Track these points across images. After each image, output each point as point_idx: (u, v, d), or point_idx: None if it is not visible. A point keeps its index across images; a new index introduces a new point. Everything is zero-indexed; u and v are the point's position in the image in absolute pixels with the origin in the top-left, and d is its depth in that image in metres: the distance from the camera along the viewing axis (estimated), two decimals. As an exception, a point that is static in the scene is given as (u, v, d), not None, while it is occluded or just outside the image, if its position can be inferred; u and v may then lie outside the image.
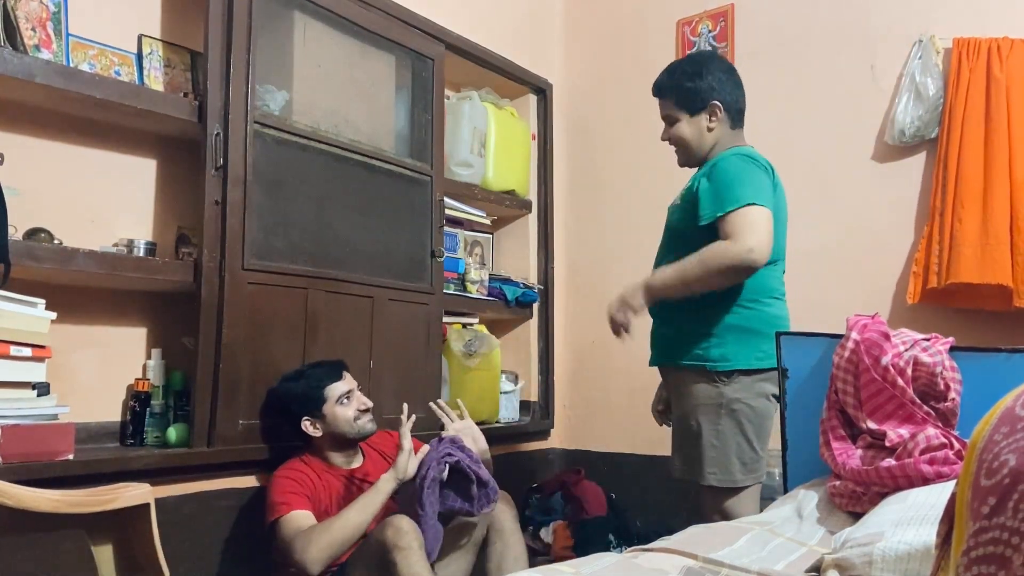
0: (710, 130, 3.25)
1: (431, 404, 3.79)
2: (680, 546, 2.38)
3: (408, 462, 3.34)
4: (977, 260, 3.92)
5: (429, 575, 3.00)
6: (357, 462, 3.60)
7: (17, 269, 2.96)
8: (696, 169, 3.33)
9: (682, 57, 3.35)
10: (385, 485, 3.29)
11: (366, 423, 3.52)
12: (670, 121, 3.31)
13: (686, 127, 3.26)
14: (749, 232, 2.90)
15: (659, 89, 3.35)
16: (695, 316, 3.18)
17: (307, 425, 3.46)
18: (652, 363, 3.43)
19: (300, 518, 3.21)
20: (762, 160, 3.18)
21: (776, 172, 3.24)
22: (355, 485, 3.49)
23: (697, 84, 3.22)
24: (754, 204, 2.94)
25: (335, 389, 3.49)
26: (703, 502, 3.25)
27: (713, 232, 3.02)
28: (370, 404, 3.58)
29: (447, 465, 3.32)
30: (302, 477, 3.36)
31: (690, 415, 3.22)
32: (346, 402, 3.49)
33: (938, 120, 4.19)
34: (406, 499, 3.33)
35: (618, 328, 3.17)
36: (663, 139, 3.37)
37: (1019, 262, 3.89)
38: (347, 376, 3.57)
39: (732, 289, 3.11)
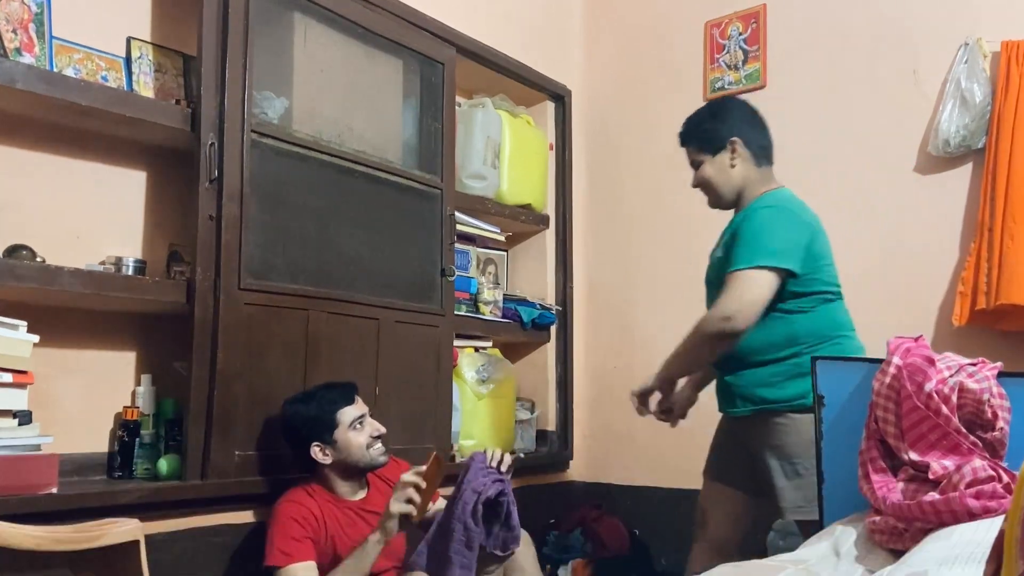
0: (732, 166, 3.46)
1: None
2: (709, 587, 2.37)
3: (397, 515, 3.24)
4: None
5: None
6: (363, 493, 3.59)
7: (-3, 289, 2.97)
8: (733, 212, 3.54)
9: (708, 103, 3.69)
10: (372, 548, 3.24)
11: (378, 453, 3.51)
12: (696, 165, 3.55)
13: (709, 168, 3.49)
14: (734, 298, 3.18)
15: (683, 137, 3.59)
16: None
17: (316, 451, 3.42)
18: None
19: (301, 572, 3.22)
20: (793, 208, 3.36)
21: (814, 215, 3.44)
22: (363, 519, 3.48)
23: (715, 124, 3.47)
24: (756, 267, 3.17)
25: (348, 413, 3.47)
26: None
27: None
28: (383, 430, 3.56)
29: (495, 492, 3.37)
30: (306, 515, 3.34)
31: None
32: (359, 427, 3.47)
33: (985, 129, 4.18)
34: (437, 532, 3.39)
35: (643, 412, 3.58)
36: (693, 186, 3.59)
37: (1073, 282, 3.87)
38: (359, 400, 3.56)
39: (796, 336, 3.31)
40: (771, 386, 3.33)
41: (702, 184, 3.54)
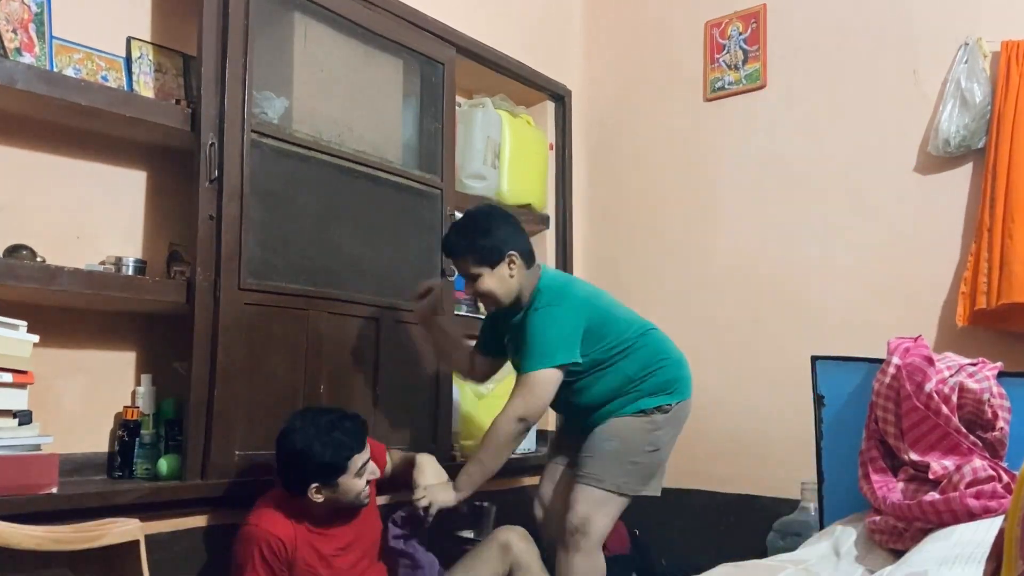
0: (511, 276, 3.71)
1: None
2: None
3: None
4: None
5: None
6: (339, 522, 3.46)
7: (-3, 289, 2.97)
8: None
9: (466, 215, 3.89)
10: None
11: (365, 496, 3.43)
12: (472, 278, 3.73)
13: (489, 280, 3.69)
14: (525, 400, 3.58)
15: (455, 250, 3.75)
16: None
17: (312, 491, 3.26)
18: None
19: None
20: (565, 301, 3.71)
21: (583, 285, 4.00)
22: (336, 557, 3.41)
23: (491, 240, 3.67)
24: (540, 369, 3.57)
25: (358, 460, 3.33)
26: None
27: None
28: (379, 474, 3.52)
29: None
30: (276, 553, 3.22)
31: None
32: (362, 474, 3.38)
33: (985, 129, 4.18)
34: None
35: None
36: (468, 294, 3.90)
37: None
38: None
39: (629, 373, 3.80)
40: (622, 407, 3.78)
41: (484, 296, 3.74)
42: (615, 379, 3.75)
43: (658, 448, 3.81)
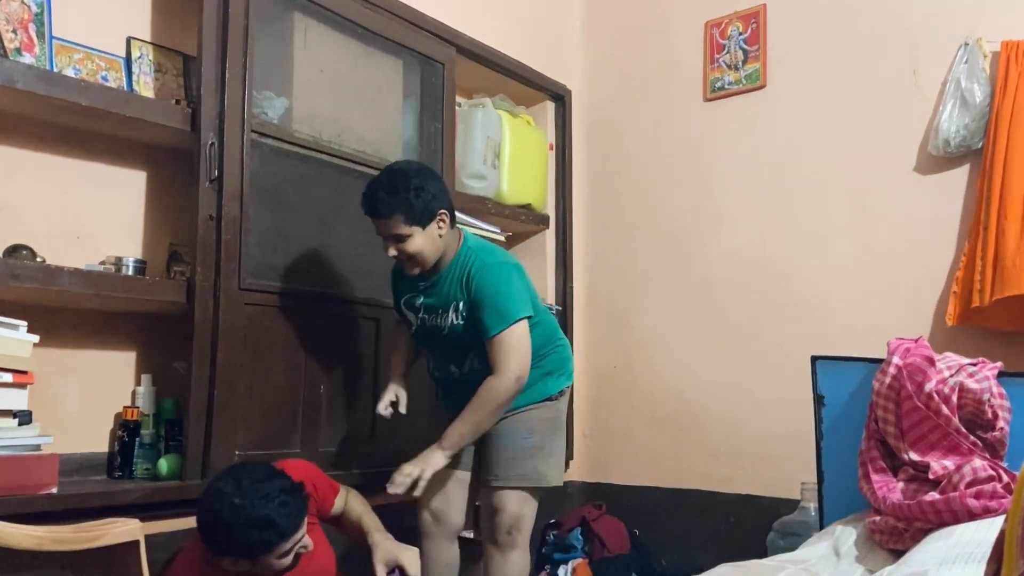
0: (440, 236, 3.59)
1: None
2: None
3: None
4: (1020, 270, 3.90)
5: None
6: None
7: (-3, 289, 2.97)
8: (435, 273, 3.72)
9: (389, 172, 3.60)
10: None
11: (289, 567, 3.00)
12: (399, 239, 3.54)
13: (420, 240, 3.54)
14: (513, 359, 3.51)
15: (381, 209, 3.52)
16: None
17: (227, 562, 2.91)
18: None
19: None
20: (509, 258, 3.76)
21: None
22: None
23: (424, 197, 3.51)
24: (514, 324, 3.51)
25: (284, 545, 2.91)
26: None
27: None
28: (310, 547, 3.05)
29: None
30: None
31: None
32: (286, 554, 2.95)
33: (985, 128, 4.18)
34: None
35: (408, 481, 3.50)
36: (392, 256, 3.61)
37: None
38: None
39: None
40: (530, 396, 3.71)
41: (413, 256, 3.57)
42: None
43: (562, 431, 3.88)
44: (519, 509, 3.67)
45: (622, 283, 5.61)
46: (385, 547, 3.33)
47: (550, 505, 5.31)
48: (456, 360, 3.71)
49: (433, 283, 3.67)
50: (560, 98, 5.77)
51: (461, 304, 3.60)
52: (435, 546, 3.80)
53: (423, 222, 3.50)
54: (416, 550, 3.42)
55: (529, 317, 3.57)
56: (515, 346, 3.51)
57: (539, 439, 3.71)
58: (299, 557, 3.01)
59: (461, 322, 3.62)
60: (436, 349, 3.81)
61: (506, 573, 3.68)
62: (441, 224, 3.56)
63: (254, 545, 2.82)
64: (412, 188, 3.48)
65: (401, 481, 3.45)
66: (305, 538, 2.98)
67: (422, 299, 3.72)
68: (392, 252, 3.57)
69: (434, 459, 3.49)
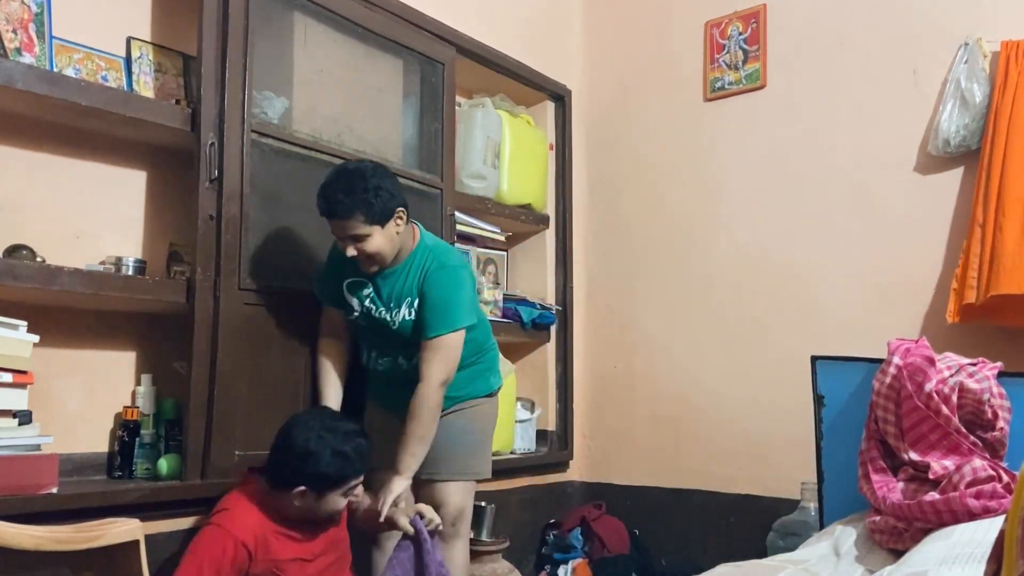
0: (398, 234, 3.63)
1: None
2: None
3: None
4: (1019, 269, 3.90)
5: None
6: (309, 531, 3.39)
7: (-3, 289, 2.97)
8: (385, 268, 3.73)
9: (343, 172, 3.58)
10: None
11: (339, 516, 3.45)
12: (358, 239, 3.54)
13: (380, 239, 3.56)
14: (443, 365, 3.58)
15: (340, 209, 3.52)
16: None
17: (297, 493, 3.19)
18: None
19: None
20: (462, 261, 3.83)
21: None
22: (306, 562, 3.34)
23: (382, 196, 3.52)
24: (453, 332, 3.59)
25: (353, 482, 3.31)
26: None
27: None
28: (358, 500, 3.49)
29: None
30: (235, 564, 3.10)
31: None
32: (348, 494, 3.33)
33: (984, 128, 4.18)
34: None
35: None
36: (351, 256, 3.59)
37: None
38: None
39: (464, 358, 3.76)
40: (472, 390, 3.87)
41: (372, 255, 3.57)
42: (469, 346, 3.73)
43: (495, 427, 4.05)
44: (463, 501, 3.78)
45: (622, 283, 5.61)
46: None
47: (550, 505, 5.32)
48: (405, 352, 3.71)
49: (385, 276, 3.69)
50: (560, 98, 5.77)
51: (416, 301, 3.65)
52: (392, 544, 3.78)
53: (382, 221, 3.52)
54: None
55: (471, 327, 3.69)
56: (447, 353, 3.58)
57: (479, 435, 3.87)
58: (340, 513, 3.44)
59: (412, 318, 3.65)
60: (378, 341, 3.80)
61: (453, 562, 3.72)
62: (399, 221, 3.59)
63: (333, 476, 3.22)
64: (370, 188, 3.49)
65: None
66: (360, 488, 3.37)
67: (370, 289, 3.71)
68: (351, 252, 3.56)
69: (395, 486, 3.52)
